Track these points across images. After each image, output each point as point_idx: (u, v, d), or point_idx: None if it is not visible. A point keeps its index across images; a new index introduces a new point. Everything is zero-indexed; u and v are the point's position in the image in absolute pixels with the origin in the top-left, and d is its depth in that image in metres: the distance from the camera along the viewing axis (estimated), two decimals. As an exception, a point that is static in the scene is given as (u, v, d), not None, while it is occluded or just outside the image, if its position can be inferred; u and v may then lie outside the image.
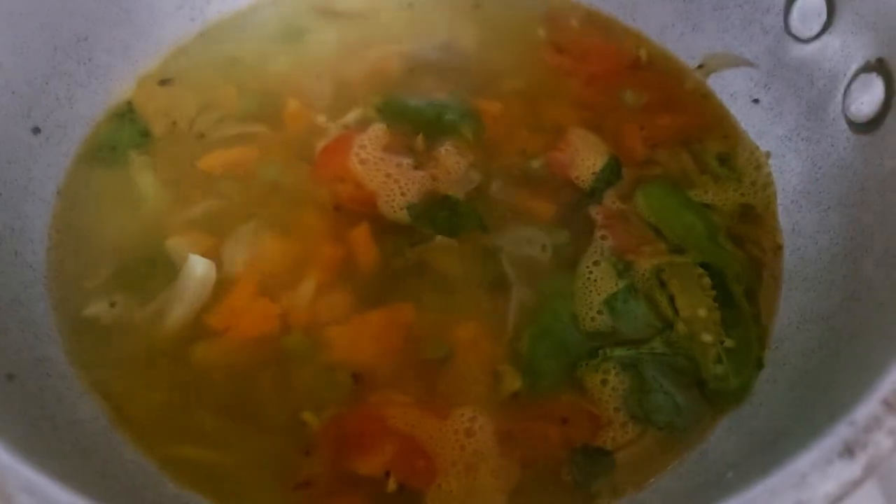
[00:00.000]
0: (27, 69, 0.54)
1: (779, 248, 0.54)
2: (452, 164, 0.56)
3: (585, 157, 0.56)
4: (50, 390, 0.45)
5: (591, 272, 0.51)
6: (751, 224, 0.54)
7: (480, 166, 0.56)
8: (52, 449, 0.39)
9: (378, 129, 0.57)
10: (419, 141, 0.56)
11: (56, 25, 0.56)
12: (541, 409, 0.47)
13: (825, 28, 0.53)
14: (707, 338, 0.48)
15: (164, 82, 0.60)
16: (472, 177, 0.55)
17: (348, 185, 0.54)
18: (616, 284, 0.50)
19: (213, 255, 0.51)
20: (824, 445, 0.32)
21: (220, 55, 0.62)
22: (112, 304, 0.50)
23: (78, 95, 0.57)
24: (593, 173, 0.56)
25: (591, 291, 0.50)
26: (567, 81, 0.60)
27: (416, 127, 0.57)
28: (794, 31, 0.56)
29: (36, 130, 0.55)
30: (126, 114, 0.58)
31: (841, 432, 0.32)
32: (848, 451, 0.32)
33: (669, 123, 0.58)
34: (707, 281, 0.50)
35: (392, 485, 0.44)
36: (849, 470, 0.32)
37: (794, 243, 0.53)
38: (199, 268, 0.50)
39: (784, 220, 0.54)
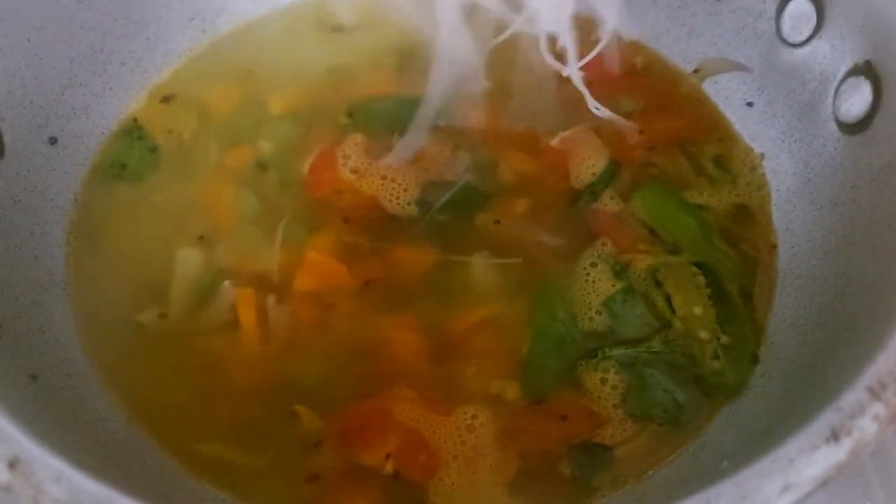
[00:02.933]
0: (44, 80, 0.56)
1: (773, 247, 0.55)
2: (437, 151, 0.57)
3: (586, 158, 0.57)
4: (71, 389, 0.47)
5: (588, 274, 0.52)
6: (746, 224, 0.55)
7: (472, 154, 0.57)
8: (74, 444, 0.40)
9: (356, 137, 0.58)
10: (396, 139, 0.57)
11: (71, 38, 0.57)
12: (540, 407, 0.48)
13: (815, 32, 0.54)
14: (703, 335, 0.49)
15: (166, 99, 0.61)
16: (462, 157, 0.56)
17: (348, 196, 0.55)
18: (613, 285, 0.51)
19: (225, 267, 0.53)
20: (812, 431, 0.34)
21: (228, 67, 0.63)
22: (127, 308, 0.52)
23: (93, 106, 0.59)
24: (593, 174, 0.57)
25: (588, 293, 0.51)
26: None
27: (389, 127, 0.57)
28: (785, 35, 0.57)
29: (53, 140, 0.56)
30: (133, 130, 0.59)
31: (827, 419, 0.34)
32: (834, 436, 0.33)
33: (666, 127, 0.59)
34: (701, 280, 0.51)
35: (389, 468, 0.45)
36: (834, 454, 0.33)
37: (789, 242, 0.54)
38: (185, 260, 0.52)
39: (778, 219, 0.56)
